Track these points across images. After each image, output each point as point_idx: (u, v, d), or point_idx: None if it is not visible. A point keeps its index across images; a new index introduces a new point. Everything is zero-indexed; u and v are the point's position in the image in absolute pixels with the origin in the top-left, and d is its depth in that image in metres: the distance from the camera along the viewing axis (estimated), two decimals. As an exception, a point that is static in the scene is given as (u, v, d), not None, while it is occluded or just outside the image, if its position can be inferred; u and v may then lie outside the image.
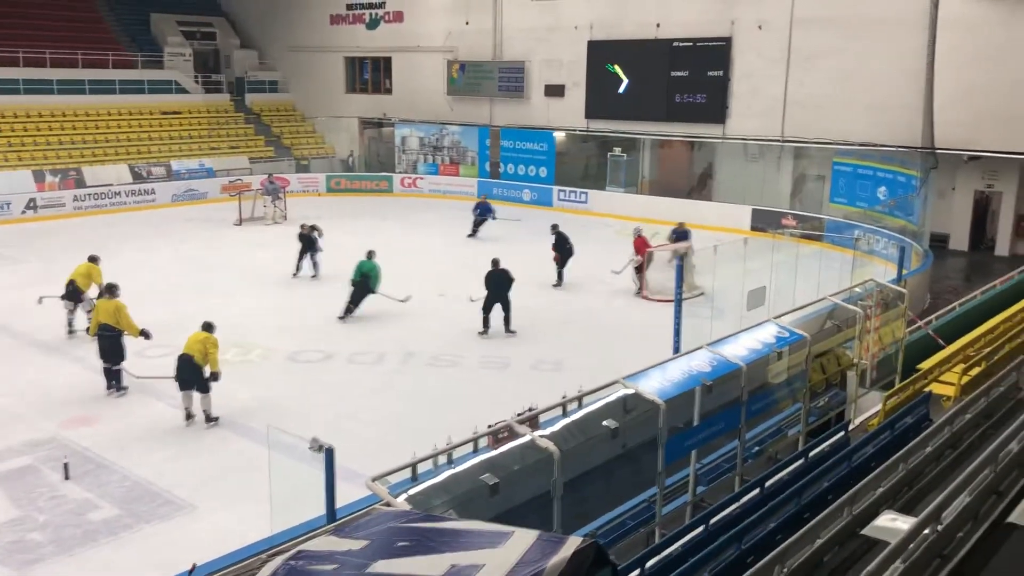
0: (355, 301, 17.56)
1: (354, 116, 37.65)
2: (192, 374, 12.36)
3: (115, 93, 33.94)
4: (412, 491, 6.57)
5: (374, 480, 6.49)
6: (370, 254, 18.08)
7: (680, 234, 21.27)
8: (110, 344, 13.42)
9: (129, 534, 9.61)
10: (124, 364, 13.62)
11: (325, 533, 4.28)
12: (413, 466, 6.77)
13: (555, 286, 20.20)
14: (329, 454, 6.83)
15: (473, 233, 26.38)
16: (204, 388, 12.42)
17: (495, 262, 17.00)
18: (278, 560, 3.82)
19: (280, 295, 19.48)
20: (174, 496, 10.41)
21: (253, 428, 12.08)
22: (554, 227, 21.03)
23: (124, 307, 13.53)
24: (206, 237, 25.88)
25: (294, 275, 20.58)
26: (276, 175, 30.56)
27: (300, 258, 20.68)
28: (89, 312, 15.77)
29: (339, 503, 7.04)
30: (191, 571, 6.39)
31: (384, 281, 17.87)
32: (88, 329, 14.46)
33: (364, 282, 17.59)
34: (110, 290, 13.87)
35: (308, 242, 20.72)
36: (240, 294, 19.13)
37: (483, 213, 26.60)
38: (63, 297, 15.87)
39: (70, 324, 16.00)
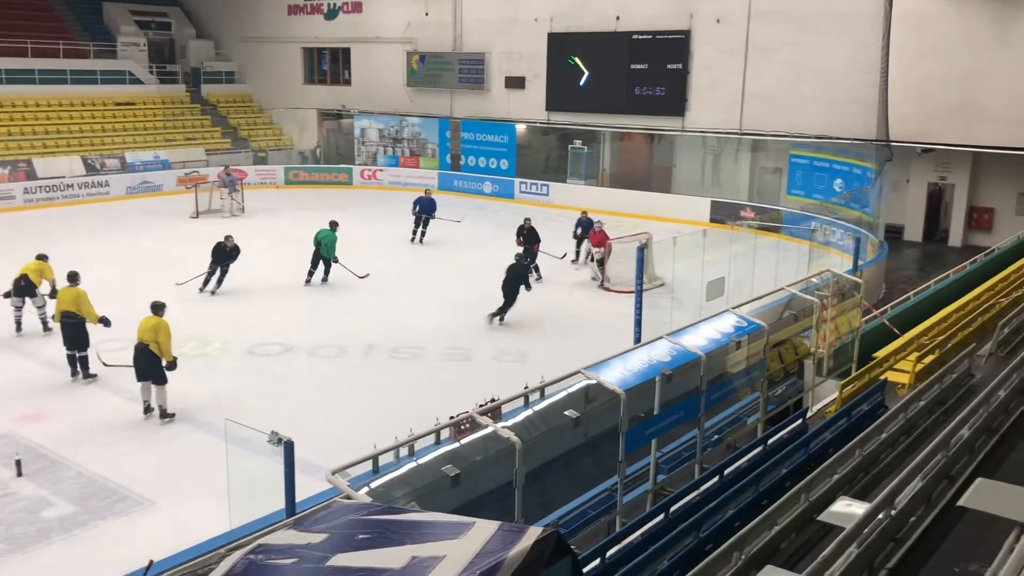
0: (314, 264, 19.23)
1: (312, 108, 37.28)
2: (148, 363, 12.13)
3: (66, 83, 33.19)
4: (373, 484, 6.53)
5: (334, 473, 6.44)
6: (332, 224, 19.69)
7: (583, 224, 21.36)
8: (74, 331, 13.53)
9: (84, 531, 9.45)
10: (90, 351, 13.60)
11: (285, 527, 4.23)
12: (374, 458, 6.74)
13: (537, 279, 19.64)
14: (288, 447, 6.78)
15: (417, 237, 24.01)
16: (160, 379, 12.19)
17: (519, 256, 17.86)
18: (237, 554, 3.77)
19: (238, 288, 19.23)
20: (131, 492, 10.25)
21: (211, 422, 11.93)
22: (527, 220, 20.96)
23: (85, 294, 13.65)
24: (162, 230, 25.48)
25: (201, 290, 18.54)
26: (233, 167, 30.11)
27: (212, 271, 18.56)
28: (40, 308, 15.61)
29: (299, 497, 6.99)
30: (148, 567, 6.30)
31: (344, 259, 19.29)
32: (52, 317, 14.40)
33: (318, 248, 19.13)
34: (72, 278, 13.95)
35: (222, 256, 18.63)
36: (197, 287, 18.84)
37: (424, 210, 24.18)
38: (7, 295, 15.60)
39: (18, 321, 15.69)
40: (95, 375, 13.60)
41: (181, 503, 9.97)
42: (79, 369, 13.58)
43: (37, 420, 12.18)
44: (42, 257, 16.00)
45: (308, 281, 19.28)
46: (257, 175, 33.52)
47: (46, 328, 15.66)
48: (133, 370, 12.27)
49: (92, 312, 13.66)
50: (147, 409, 12.29)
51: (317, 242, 19.25)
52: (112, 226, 25.76)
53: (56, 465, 10.85)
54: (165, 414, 12.23)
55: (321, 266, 19.36)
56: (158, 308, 12.43)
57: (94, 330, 13.77)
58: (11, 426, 11.91)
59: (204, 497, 9.70)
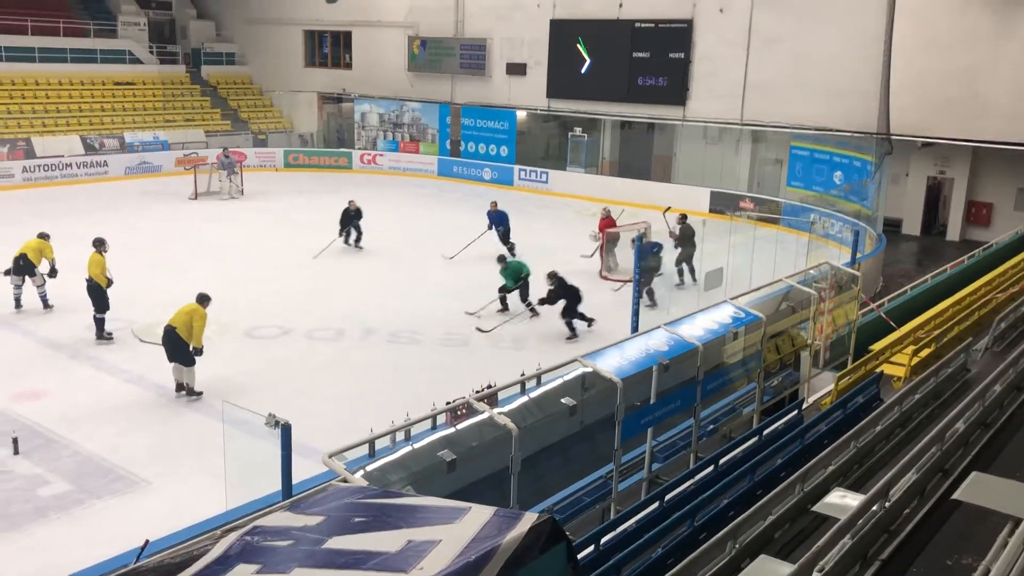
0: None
1: (313, 91, 37.13)
2: (174, 346, 12.29)
3: (66, 62, 33.04)
4: (369, 467, 6.54)
5: (331, 456, 6.45)
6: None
7: (494, 216, 20.88)
8: (90, 294, 14.38)
9: (80, 510, 9.47)
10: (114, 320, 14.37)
11: (281, 509, 4.24)
12: (371, 442, 6.75)
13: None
14: (286, 430, 6.78)
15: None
16: (187, 361, 12.37)
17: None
18: (233, 536, 3.78)
19: (236, 270, 19.21)
20: (127, 472, 10.26)
21: (209, 404, 11.95)
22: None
23: (99, 260, 14.34)
24: (161, 211, 25.42)
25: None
26: (232, 149, 30.06)
27: (342, 234, 21.03)
28: (40, 286, 15.66)
29: (296, 479, 7.00)
30: (144, 547, 6.31)
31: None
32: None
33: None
34: (95, 244, 14.61)
35: (348, 219, 21.12)
36: (195, 269, 18.83)
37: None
38: (7, 272, 15.61)
39: (17, 299, 15.68)
40: (110, 336, 14.37)
41: (178, 484, 9.99)
42: (103, 333, 14.46)
43: (34, 398, 12.19)
44: (44, 236, 15.99)
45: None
46: (256, 158, 33.44)
47: (46, 306, 15.68)
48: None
49: (101, 276, 14.34)
50: (178, 388, 12.45)
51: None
52: (111, 206, 25.67)
53: (52, 443, 10.87)
54: (192, 392, 12.38)
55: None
56: (203, 300, 12.65)
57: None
58: (8, 404, 11.92)
59: (201, 478, 9.72)
